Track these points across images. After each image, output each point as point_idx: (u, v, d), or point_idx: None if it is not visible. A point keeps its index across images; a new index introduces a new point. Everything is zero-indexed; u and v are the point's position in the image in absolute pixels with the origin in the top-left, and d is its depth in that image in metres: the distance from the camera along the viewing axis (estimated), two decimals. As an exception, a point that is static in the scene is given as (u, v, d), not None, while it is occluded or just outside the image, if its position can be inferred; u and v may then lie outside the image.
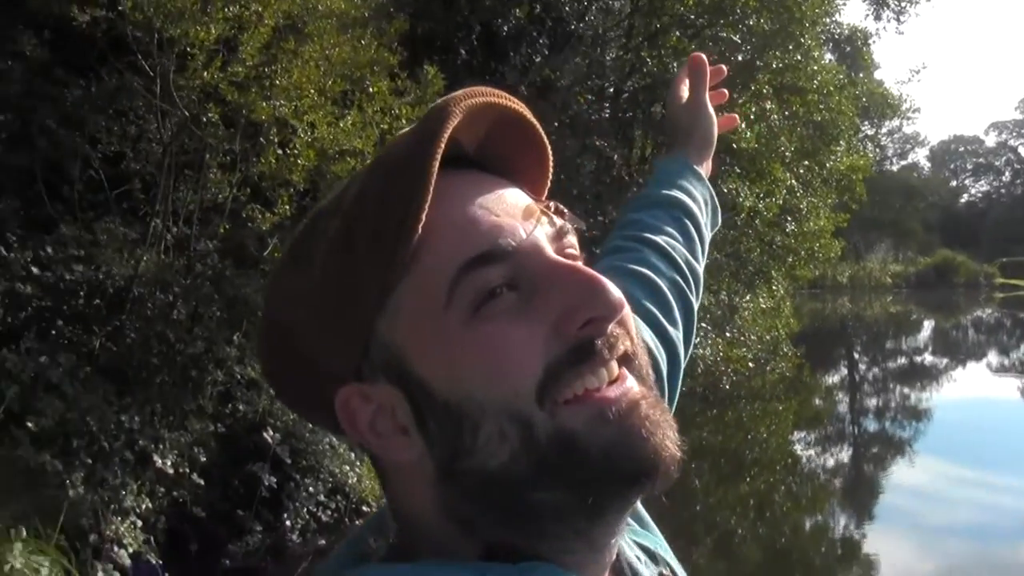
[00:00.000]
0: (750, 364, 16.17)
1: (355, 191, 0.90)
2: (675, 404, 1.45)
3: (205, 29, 7.71)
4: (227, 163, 9.09)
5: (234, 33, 8.11)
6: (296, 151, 8.44)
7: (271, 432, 8.51)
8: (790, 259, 16.20)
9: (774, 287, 16.67)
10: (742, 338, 16.24)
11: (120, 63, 8.77)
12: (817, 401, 20.96)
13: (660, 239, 1.59)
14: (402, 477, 0.92)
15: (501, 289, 0.85)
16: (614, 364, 0.89)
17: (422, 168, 0.84)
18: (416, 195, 0.83)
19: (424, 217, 0.84)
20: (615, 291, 0.88)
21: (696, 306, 1.61)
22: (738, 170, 14.35)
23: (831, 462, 16.24)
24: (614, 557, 0.98)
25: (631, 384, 0.89)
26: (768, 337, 16.84)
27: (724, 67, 1.82)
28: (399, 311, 0.87)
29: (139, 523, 6.90)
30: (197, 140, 8.79)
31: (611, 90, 16.84)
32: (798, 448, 16.77)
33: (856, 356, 30.66)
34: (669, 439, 0.88)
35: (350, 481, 8.95)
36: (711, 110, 1.76)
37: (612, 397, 0.86)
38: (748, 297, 16.31)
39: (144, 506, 7.00)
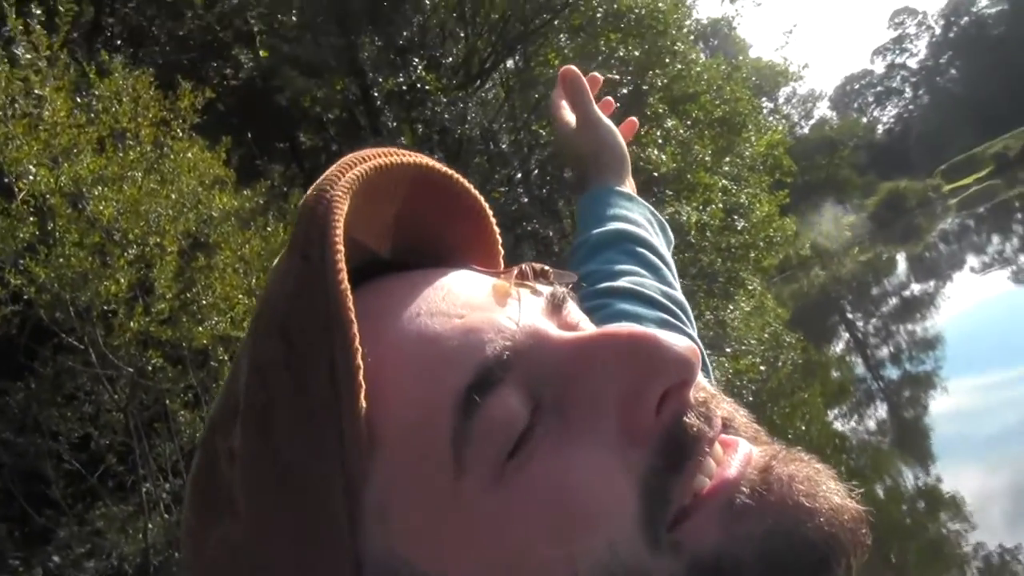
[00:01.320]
0: (761, 368, 16.00)
1: (246, 380, 0.64)
2: None
3: (114, 282, 7.53)
4: (191, 400, 8.91)
5: (144, 273, 7.95)
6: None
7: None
8: (752, 255, 16.16)
9: (749, 287, 16.60)
10: (743, 347, 16.09)
11: (47, 350, 8.59)
12: (835, 374, 20.84)
13: (623, 283, 1.33)
14: None
15: (530, 419, 0.61)
16: (716, 444, 0.65)
17: (328, 294, 0.60)
18: (337, 337, 0.59)
19: (361, 365, 0.59)
20: (675, 341, 0.63)
21: (696, 333, 1.35)
22: (670, 193, 14.31)
23: (873, 424, 16.09)
24: None
25: (744, 446, 0.66)
26: (766, 335, 16.72)
27: (598, 75, 1.59)
28: (386, 513, 0.61)
29: None
30: (152, 391, 8.58)
31: (518, 175, 16.85)
32: (839, 426, 16.60)
33: (851, 316, 30.61)
34: (835, 492, 0.63)
35: None
36: (608, 122, 1.53)
37: (732, 477, 0.62)
38: (730, 308, 16.20)
39: None
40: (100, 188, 7.71)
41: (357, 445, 0.60)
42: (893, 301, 29.67)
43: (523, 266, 0.73)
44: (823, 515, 0.61)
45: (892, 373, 19.47)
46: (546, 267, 0.74)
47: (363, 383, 0.59)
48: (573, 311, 0.71)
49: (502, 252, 0.80)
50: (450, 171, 0.73)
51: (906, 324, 23.86)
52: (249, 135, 12.74)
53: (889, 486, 12.87)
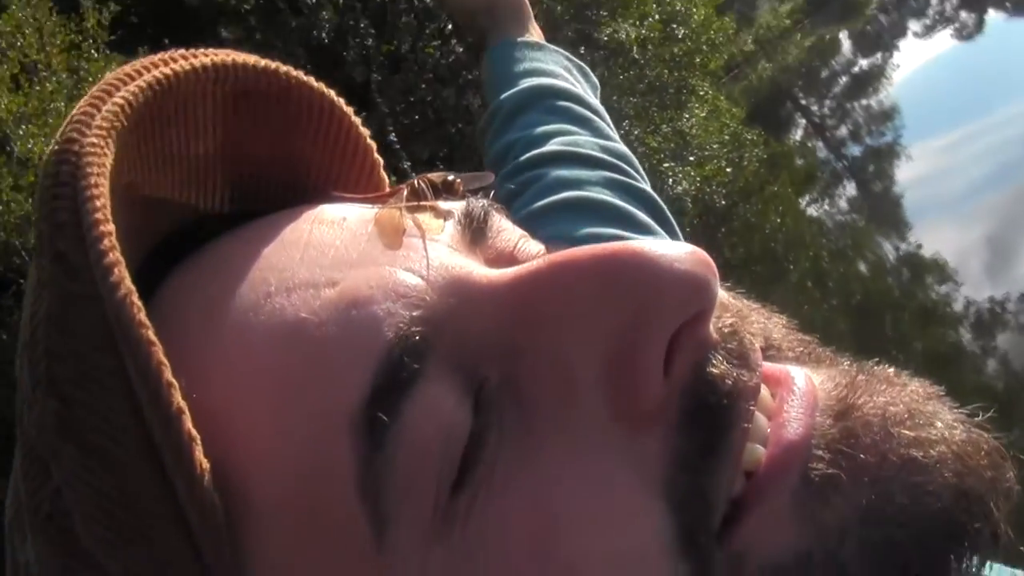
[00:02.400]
0: (727, 170, 15.91)
1: (19, 467, 0.44)
2: None
3: None
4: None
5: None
6: None
7: None
8: (697, 60, 15.89)
9: (701, 93, 16.37)
10: (706, 153, 15.96)
11: (8, 299, 8.44)
12: (799, 161, 20.81)
13: (554, 147, 1.12)
14: None
15: (474, 421, 0.42)
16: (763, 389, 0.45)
17: (105, 309, 0.40)
18: (135, 374, 0.39)
19: (183, 408, 0.39)
20: (668, 248, 0.43)
21: (648, 186, 1.15)
22: (604, 13, 14.00)
23: (845, 204, 16.12)
24: None
25: (802, 380, 0.45)
26: (726, 136, 16.58)
27: None
28: None
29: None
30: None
31: (449, 27, 16.45)
32: (813, 211, 16.63)
33: (805, 103, 30.39)
34: (953, 423, 0.44)
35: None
36: None
37: (799, 438, 0.43)
38: (686, 116, 16.01)
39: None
40: (24, 126, 7.43)
41: (210, 538, 0.40)
42: (843, 80, 29.46)
43: (415, 181, 0.51)
44: (947, 464, 0.42)
45: (854, 150, 19.48)
46: (449, 175, 0.52)
47: (195, 436, 0.39)
48: (503, 231, 0.51)
49: (384, 178, 0.58)
50: (282, 68, 0.52)
51: (860, 100, 23.76)
52: (167, 41, 12.33)
53: (872, 261, 12.96)
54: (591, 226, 1.01)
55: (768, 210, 16.10)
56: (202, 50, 0.50)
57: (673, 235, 1.08)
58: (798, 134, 25.51)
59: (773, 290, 13.72)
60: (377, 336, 0.41)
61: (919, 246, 13.21)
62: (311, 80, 0.53)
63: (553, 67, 1.25)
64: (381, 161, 0.58)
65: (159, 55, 0.49)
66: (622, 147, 1.17)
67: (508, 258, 0.49)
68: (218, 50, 0.50)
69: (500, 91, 1.22)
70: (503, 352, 0.43)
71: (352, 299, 0.43)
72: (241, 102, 0.51)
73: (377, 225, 0.47)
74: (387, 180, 0.59)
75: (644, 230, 1.04)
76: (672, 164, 14.92)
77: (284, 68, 0.51)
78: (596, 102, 1.26)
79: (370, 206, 0.51)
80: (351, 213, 0.49)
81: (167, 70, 0.47)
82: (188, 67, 0.48)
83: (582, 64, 1.32)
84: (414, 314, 0.42)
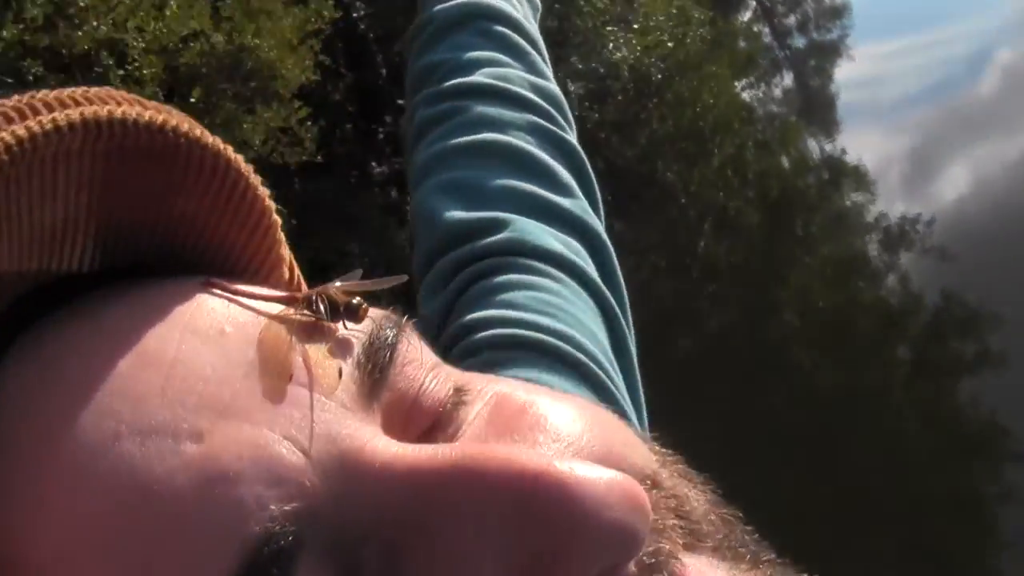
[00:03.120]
0: (669, 44, 15.71)
1: None
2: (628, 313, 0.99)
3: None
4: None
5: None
6: (137, 63, 7.84)
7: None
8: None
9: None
10: (651, 23, 15.74)
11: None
12: (742, 44, 20.69)
13: (480, 77, 1.03)
14: None
15: None
16: None
17: None
18: None
19: None
20: (605, 488, 0.37)
21: (573, 135, 1.07)
22: None
23: (779, 94, 16.12)
24: None
25: None
26: (674, 10, 16.35)
27: None
28: None
29: None
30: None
31: None
32: (746, 96, 16.60)
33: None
34: None
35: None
36: None
37: None
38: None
39: None
40: None
41: None
42: (800, -34, 29.17)
43: (314, 296, 0.45)
44: None
45: (799, 42, 19.39)
46: (357, 284, 0.47)
47: None
48: (408, 364, 0.45)
49: (284, 256, 0.51)
50: (170, 123, 0.43)
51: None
52: None
53: (794, 157, 13.02)
54: (509, 177, 0.97)
55: (703, 88, 16.03)
56: (80, 93, 0.43)
57: (592, 198, 1.03)
58: (746, 15, 25.31)
59: (694, 170, 13.73)
60: (241, 527, 0.35)
61: (843, 151, 13.28)
62: (207, 136, 0.45)
63: None
64: (282, 238, 0.51)
65: (23, 101, 0.41)
66: (554, 88, 1.09)
67: (409, 406, 0.44)
68: (100, 94, 0.44)
69: (433, 2, 1.13)
70: (385, 549, 0.38)
71: (218, 471, 0.36)
72: (115, 159, 0.43)
73: (260, 357, 0.41)
74: (290, 260, 0.52)
75: (564, 190, 0.99)
76: (615, 28, 14.75)
77: (173, 123, 0.43)
78: (535, 29, 1.16)
79: (254, 316, 0.44)
80: (232, 325, 0.43)
81: (21, 131, 0.39)
82: (51, 127, 0.40)
83: None
84: (287, 508, 0.36)
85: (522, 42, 1.10)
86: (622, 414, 0.79)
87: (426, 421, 0.44)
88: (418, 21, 1.13)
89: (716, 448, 6.67)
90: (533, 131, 1.01)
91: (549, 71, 1.12)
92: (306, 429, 0.39)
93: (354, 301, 0.45)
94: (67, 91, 0.43)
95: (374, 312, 0.46)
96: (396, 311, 0.47)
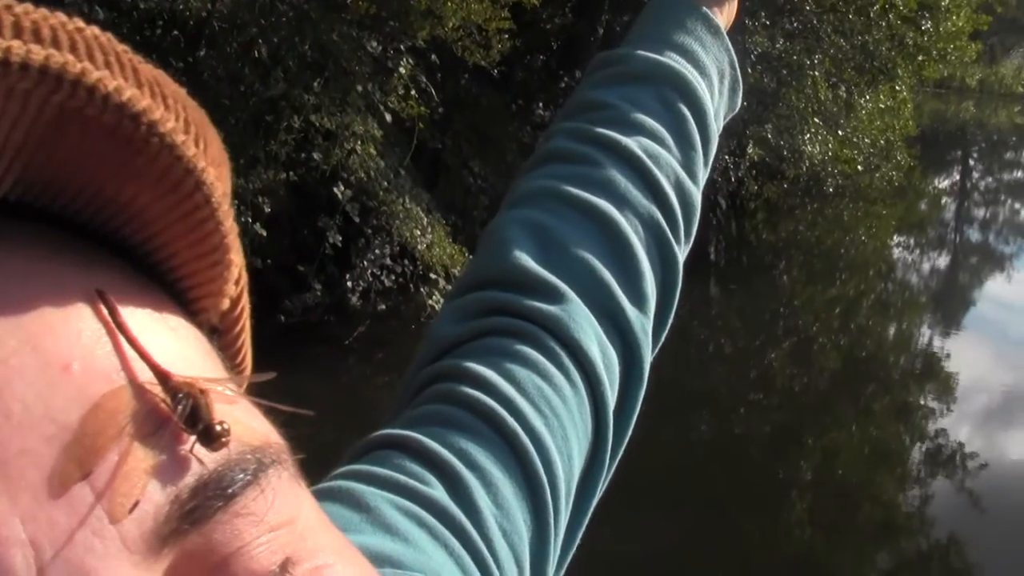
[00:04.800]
0: (859, 168, 15.49)
1: None
2: (626, 436, 0.92)
3: None
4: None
5: None
6: None
7: (342, 187, 8.22)
8: (920, 58, 15.22)
9: (898, 87, 15.76)
10: (855, 139, 15.51)
11: None
12: (923, 207, 20.33)
13: (635, 144, 0.96)
14: None
15: None
16: None
17: None
18: None
19: None
20: None
21: (684, 251, 1.00)
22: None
23: (927, 268, 15.84)
24: None
25: None
26: (883, 141, 16.08)
27: None
28: None
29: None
30: None
31: None
32: (896, 252, 16.34)
33: (971, 163, 29.48)
34: None
35: (419, 247, 8.65)
36: None
37: None
38: (868, 96, 15.47)
39: (200, 253, 6.83)
40: None
41: None
42: (1018, 174, 28.54)
43: (185, 387, 0.37)
44: None
45: (973, 235, 19.04)
46: (222, 423, 0.37)
47: None
48: (234, 524, 0.37)
49: (226, 229, 0.41)
50: (125, 95, 0.36)
51: (1016, 201, 23.06)
52: None
53: (901, 329, 12.75)
54: (597, 255, 0.91)
55: (863, 222, 15.80)
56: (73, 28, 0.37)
57: (663, 316, 0.97)
58: (942, 183, 24.83)
59: (808, 288, 13.52)
60: None
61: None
62: (186, 147, 0.38)
63: (709, 64, 1.06)
64: (226, 227, 0.41)
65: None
66: (697, 194, 1.01)
67: (216, 563, 0.37)
68: (92, 39, 0.37)
69: (639, 44, 1.04)
70: None
71: None
72: (70, 121, 0.36)
73: (81, 428, 0.34)
74: (229, 245, 0.42)
75: (638, 299, 0.93)
76: (820, 123, 14.52)
77: (155, 116, 0.37)
78: (716, 128, 1.06)
79: (113, 367, 0.36)
80: (83, 366, 0.36)
81: None
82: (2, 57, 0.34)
83: (739, 77, 1.12)
84: None
85: (694, 133, 1.02)
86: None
87: None
88: (614, 52, 1.06)
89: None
90: (648, 226, 0.94)
91: (704, 175, 1.04)
92: (58, 544, 0.32)
93: (219, 426, 0.37)
94: (60, 19, 0.37)
95: (245, 441, 0.39)
96: (280, 448, 0.41)
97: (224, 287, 0.43)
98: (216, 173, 0.40)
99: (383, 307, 8.65)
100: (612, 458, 0.89)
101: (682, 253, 0.99)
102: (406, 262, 8.78)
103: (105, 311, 0.37)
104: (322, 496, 0.72)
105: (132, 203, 0.39)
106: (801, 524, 7.51)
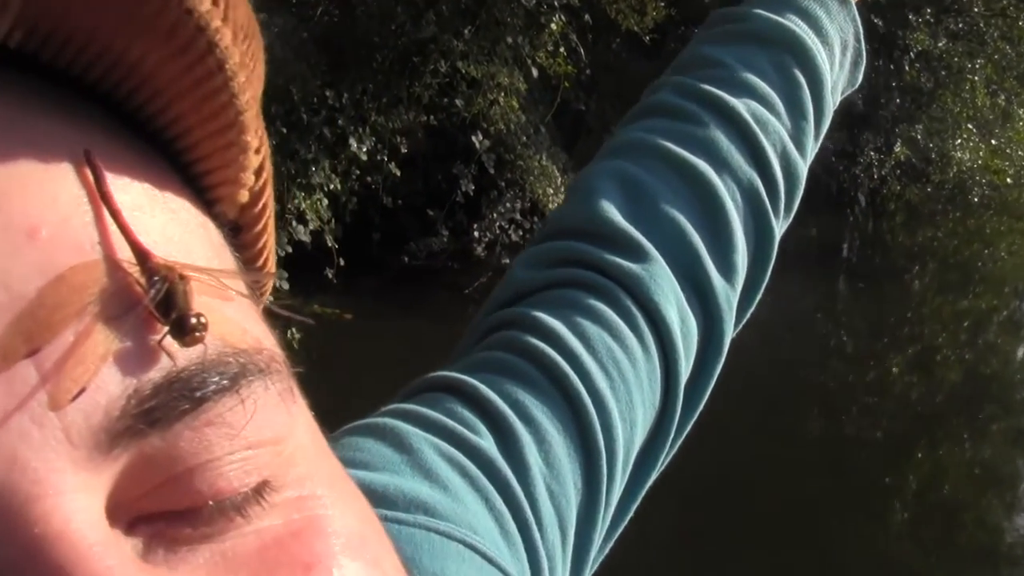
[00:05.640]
0: (1008, 180, 15.01)
1: None
2: (696, 411, 0.86)
3: None
4: None
5: None
6: None
7: (480, 137, 8.23)
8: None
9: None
10: (1008, 150, 15.02)
11: None
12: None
13: (743, 106, 0.90)
14: None
15: None
16: None
17: None
18: None
19: None
20: None
21: (782, 226, 0.94)
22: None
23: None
24: None
25: None
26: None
27: None
28: None
29: (325, 202, 6.83)
30: None
31: None
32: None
33: None
34: None
35: (550, 205, 8.64)
36: None
37: None
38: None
39: (333, 186, 6.91)
40: None
41: None
42: None
43: (164, 269, 0.33)
44: None
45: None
46: (195, 314, 0.32)
47: None
48: (204, 434, 0.33)
49: (247, 119, 0.37)
50: None
51: None
52: None
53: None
54: (687, 215, 0.86)
55: (1005, 237, 15.34)
56: None
57: (752, 291, 0.92)
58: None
59: (939, 298, 13.18)
60: None
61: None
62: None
63: (831, 31, 0.99)
64: (242, 101, 0.36)
65: None
66: (802, 168, 0.94)
67: (175, 474, 0.32)
68: None
69: (763, 2, 0.98)
70: None
71: None
72: None
73: (39, 299, 0.30)
74: (246, 125, 0.37)
75: (726, 267, 0.87)
76: (972, 129, 14.14)
77: None
78: (832, 101, 1.00)
79: (89, 236, 0.32)
80: (51, 232, 0.31)
81: None
82: None
83: (863, 52, 1.05)
84: None
85: (808, 102, 0.96)
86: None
87: (182, 502, 0.33)
88: (733, 9, 1.00)
89: None
90: (746, 193, 0.89)
91: (813, 149, 0.98)
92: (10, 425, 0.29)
93: (194, 318, 0.32)
94: None
95: (229, 343, 0.34)
96: (272, 356, 0.36)
97: (241, 175, 0.39)
98: (237, 39, 0.36)
99: (506, 260, 8.67)
100: (678, 433, 0.84)
101: (780, 227, 0.93)
102: (535, 219, 8.80)
103: (91, 176, 0.33)
104: (363, 431, 0.70)
105: (141, 64, 0.34)
106: (900, 536, 7.34)
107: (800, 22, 0.96)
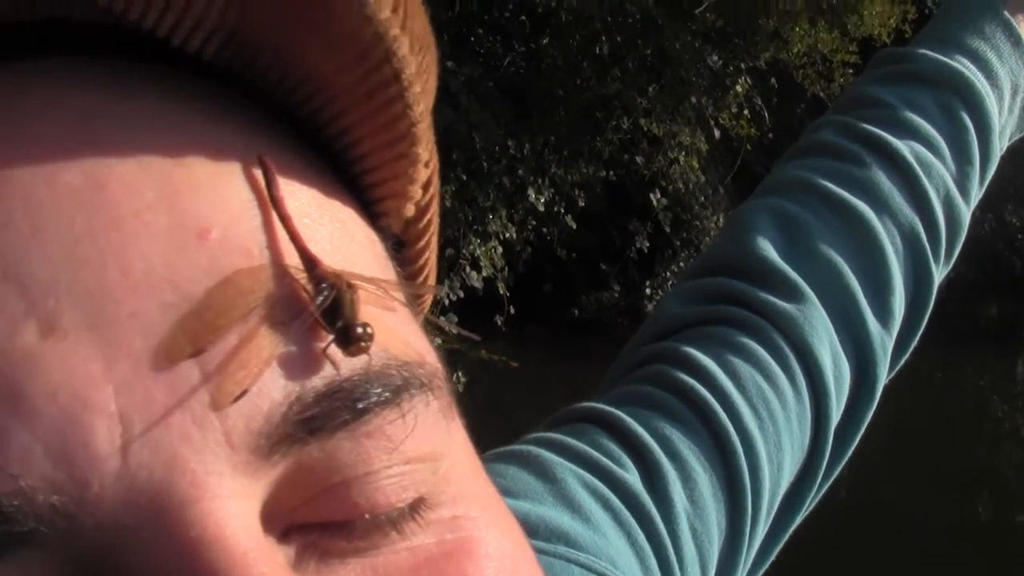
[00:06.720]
0: None
1: None
2: (845, 457, 0.84)
3: None
4: None
5: None
6: None
7: (659, 194, 8.23)
8: None
9: None
10: None
11: None
12: None
13: (906, 148, 0.87)
14: None
15: None
16: None
17: None
18: None
19: None
20: None
21: (941, 272, 0.90)
22: None
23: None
24: None
25: None
26: None
27: None
28: None
29: (499, 250, 6.91)
30: None
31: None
32: None
33: None
34: None
35: (727, 267, 8.58)
36: None
37: None
38: None
39: (508, 234, 6.99)
40: None
41: None
42: None
43: (332, 277, 0.32)
44: None
45: None
46: (363, 325, 0.32)
47: None
48: (362, 445, 0.32)
49: (421, 139, 0.37)
50: None
51: None
52: None
53: None
54: (845, 257, 0.84)
55: None
56: None
57: (907, 339, 0.88)
58: None
59: None
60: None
61: None
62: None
63: (1002, 75, 0.95)
64: (416, 113, 0.36)
65: None
66: (965, 213, 0.91)
67: (331, 486, 0.32)
68: None
69: (928, 44, 0.95)
70: None
71: (11, 385, 0.28)
72: None
73: (204, 300, 0.30)
74: (418, 137, 0.37)
75: (883, 314, 0.85)
76: None
77: None
78: (998, 147, 0.95)
79: (258, 240, 0.32)
80: (222, 234, 0.31)
81: None
82: None
83: None
84: (44, 499, 0.27)
85: (974, 146, 0.92)
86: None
87: (337, 514, 0.32)
88: (899, 49, 0.98)
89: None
90: (906, 237, 0.86)
91: (977, 195, 0.94)
92: (149, 423, 0.28)
93: (360, 328, 0.31)
94: None
95: (393, 354, 0.33)
96: (435, 372, 0.35)
97: (409, 188, 0.38)
98: (414, 49, 0.35)
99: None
100: (825, 478, 0.82)
101: (940, 273, 0.90)
102: (708, 278, 8.78)
103: (262, 181, 0.33)
104: (508, 458, 0.70)
105: (316, 71, 0.35)
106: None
107: (969, 63, 0.93)
